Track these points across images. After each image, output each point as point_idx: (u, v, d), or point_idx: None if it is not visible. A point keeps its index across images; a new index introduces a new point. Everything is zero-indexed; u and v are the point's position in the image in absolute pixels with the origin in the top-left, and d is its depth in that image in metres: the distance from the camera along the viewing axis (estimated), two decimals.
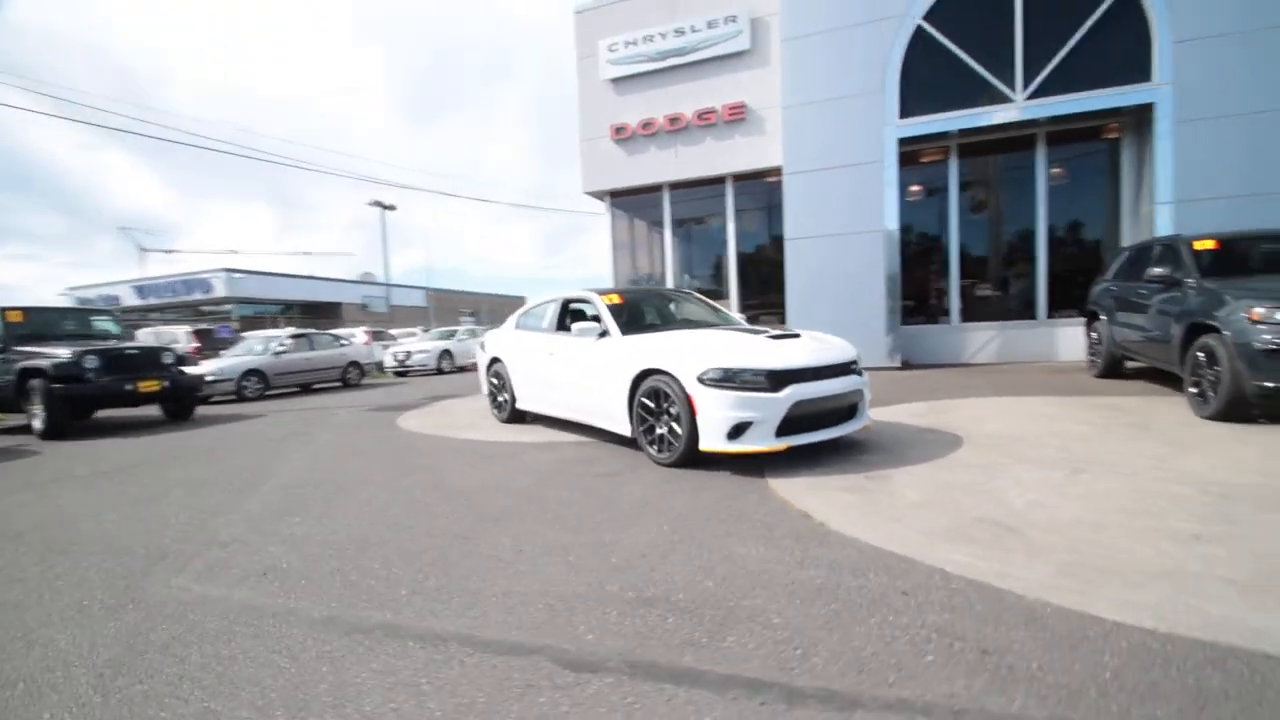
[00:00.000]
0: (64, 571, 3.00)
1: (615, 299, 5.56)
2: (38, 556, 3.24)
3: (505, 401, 6.83)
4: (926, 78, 9.58)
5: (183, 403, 8.93)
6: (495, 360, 6.98)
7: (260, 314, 34.92)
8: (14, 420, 8.98)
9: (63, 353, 7.71)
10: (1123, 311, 6.98)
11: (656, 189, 12.17)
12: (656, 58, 11.62)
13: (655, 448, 4.56)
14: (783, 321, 10.35)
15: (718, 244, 12.37)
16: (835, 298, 9.85)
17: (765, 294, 11.80)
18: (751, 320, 7.95)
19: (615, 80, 11.99)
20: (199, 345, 15.12)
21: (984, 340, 10.22)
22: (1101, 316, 7.50)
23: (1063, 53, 8.84)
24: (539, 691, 1.76)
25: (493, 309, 55.83)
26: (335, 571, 2.78)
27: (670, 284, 12.45)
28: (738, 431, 4.08)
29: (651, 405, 4.56)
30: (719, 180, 11.71)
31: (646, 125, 11.75)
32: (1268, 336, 4.51)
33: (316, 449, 6.07)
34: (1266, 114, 7.99)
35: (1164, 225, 8.39)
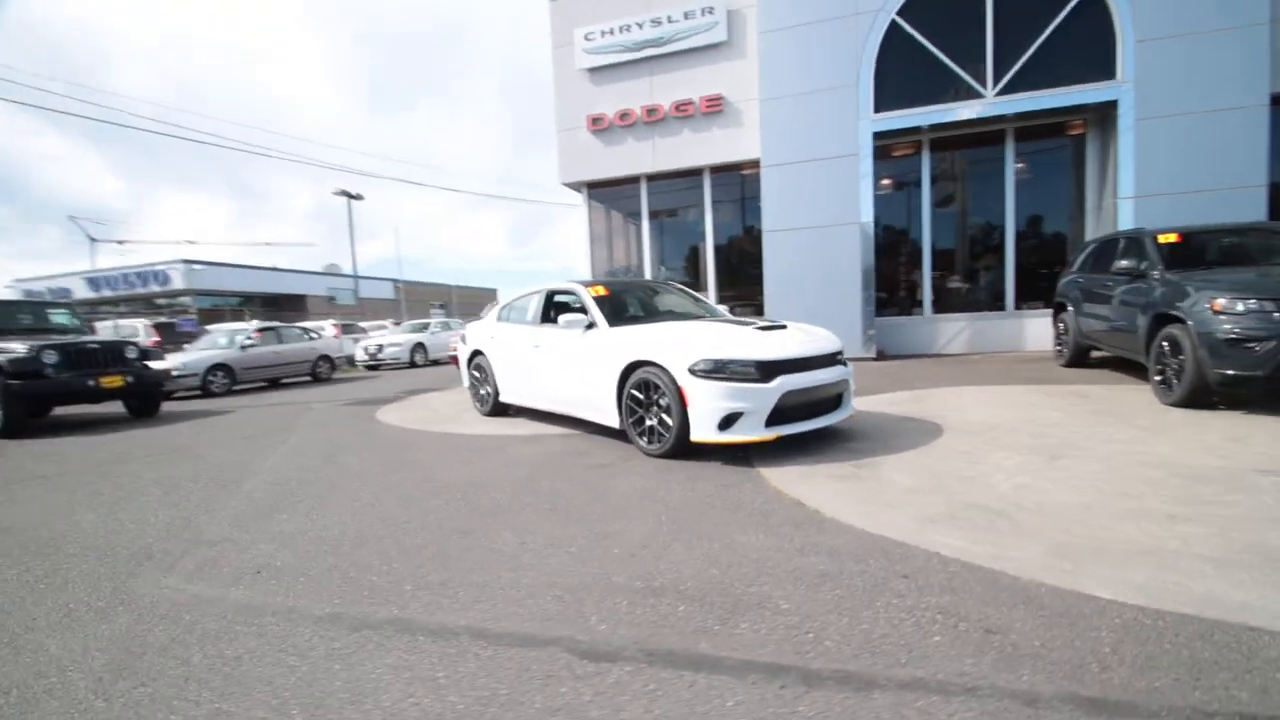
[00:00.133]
0: (44, 574, 2.89)
1: (601, 290, 5.55)
2: (13, 559, 3.12)
3: (488, 394, 6.77)
4: (900, 72, 9.73)
5: (147, 399, 8.62)
6: (477, 353, 6.91)
7: (217, 306, 33.85)
8: None
9: (19, 347, 7.37)
10: (1089, 303, 7.22)
11: (634, 180, 12.13)
12: (633, 48, 11.55)
13: (645, 439, 4.58)
14: (759, 313, 10.46)
15: (695, 235, 12.41)
16: (813, 290, 9.98)
17: (742, 286, 11.89)
18: (729, 312, 8.01)
19: (592, 70, 11.89)
20: (159, 339, 14.58)
21: (955, 331, 10.49)
22: (1068, 308, 7.76)
23: (1031, 49, 9.07)
24: (559, 682, 1.77)
25: (463, 301, 55.15)
26: (333, 568, 2.74)
27: (647, 275, 12.45)
28: (729, 422, 4.12)
29: (641, 397, 4.58)
30: (696, 172, 11.74)
31: (624, 116, 11.69)
32: (1228, 326, 4.72)
33: (296, 445, 5.94)
34: (1221, 112, 8.32)
35: (1126, 219, 8.71)
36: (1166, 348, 5.31)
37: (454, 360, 12.19)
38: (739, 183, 11.94)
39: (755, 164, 10.78)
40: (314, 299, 40.38)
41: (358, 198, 30.40)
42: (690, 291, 6.55)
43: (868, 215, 9.93)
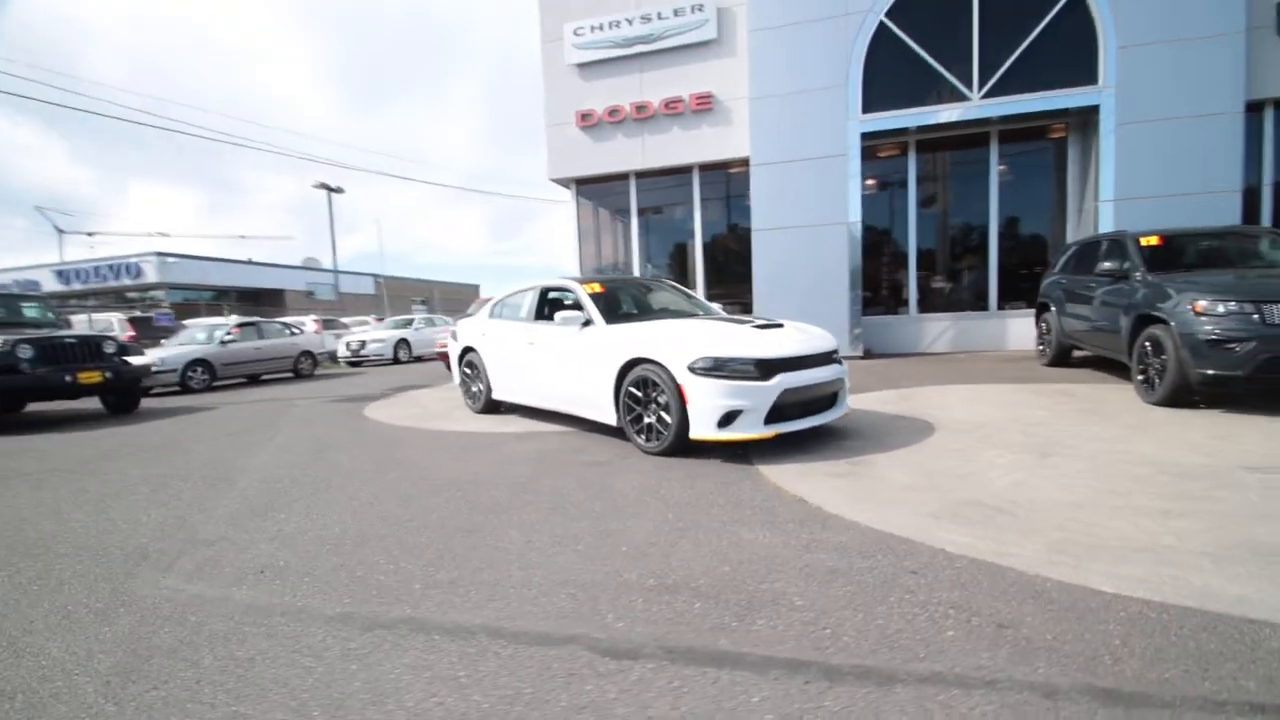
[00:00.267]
0: (37, 575, 2.82)
1: (597, 288, 5.54)
2: (2, 561, 3.03)
3: (480, 392, 6.72)
4: (888, 74, 9.84)
5: (127, 395, 8.43)
6: (469, 350, 6.85)
7: (190, 300, 33.08)
8: None
9: None
10: (1072, 303, 7.38)
11: (623, 177, 12.11)
12: (623, 44, 11.52)
13: (643, 437, 4.59)
14: (747, 311, 10.51)
15: (683, 233, 12.42)
16: (801, 288, 10.06)
17: (729, 284, 11.94)
18: (722, 310, 8.04)
19: (581, 65, 11.83)
20: (134, 334, 14.23)
21: (940, 330, 10.65)
22: (1051, 308, 7.91)
23: (1016, 54, 9.23)
24: (582, 680, 1.78)
25: (445, 297, 54.63)
26: (339, 567, 2.71)
27: (636, 273, 12.44)
28: (728, 420, 4.15)
29: (639, 394, 4.58)
30: (686, 170, 11.75)
31: (613, 113, 11.66)
32: (1209, 327, 4.85)
33: (284, 442, 5.85)
34: (1198, 118, 8.55)
35: (1106, 222, 8.92)
36: (1149, 348, 5.45)
37: (441, 357, 12.08)
38: (728, 181, 11.98)
39: (745, 162, 10.83)
40: (292, 294, 39.70)
41: (338, 191, 29.94)
42: (684, 289, 6.57)
43: (856, 215, 10.04)
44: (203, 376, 11.70)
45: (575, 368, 5.24)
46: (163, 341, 12.97)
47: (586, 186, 12.61)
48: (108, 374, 7.87)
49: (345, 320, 23.36)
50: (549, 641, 2.00)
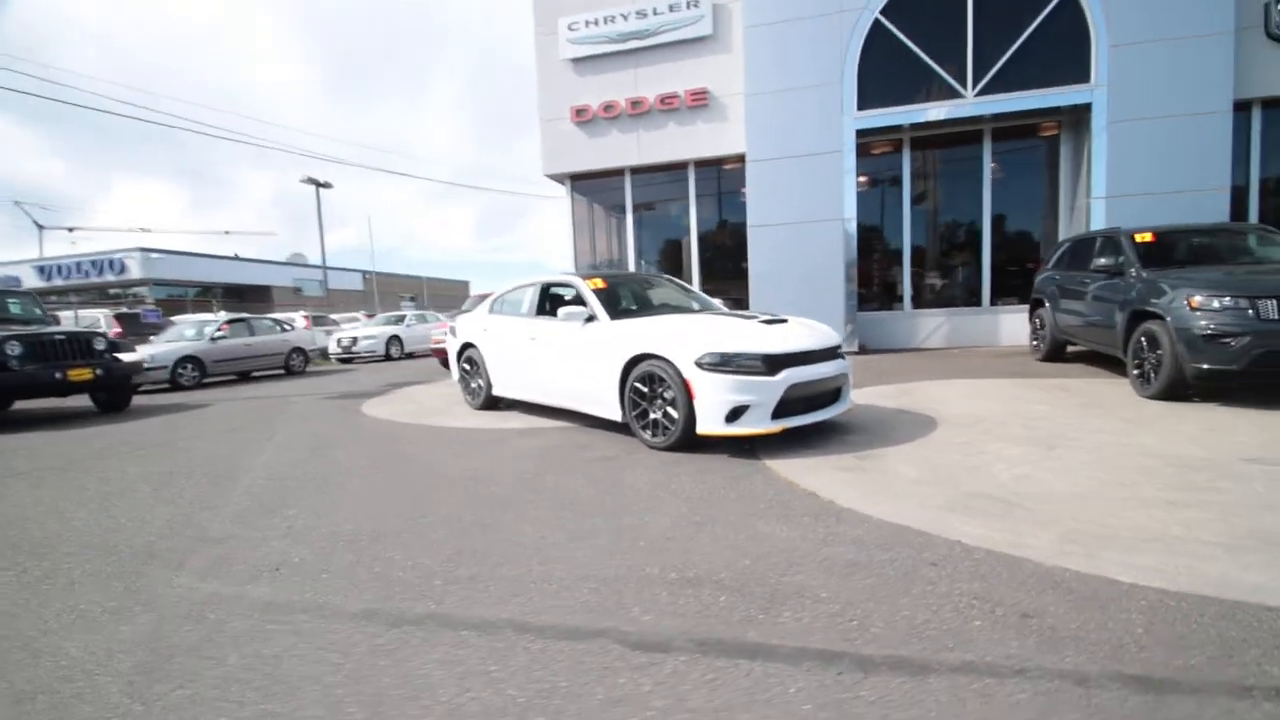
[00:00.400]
0: (45, 575, 2.77)
1: (599, 283, 5.53)
2: (8, 560, 2.98)
3: (480, 388, 6.69)
4: (883, 71, 9.89)
5: (118, 392, 8.30)
6: (468, 346, 6.82)
7: (174, 297, 32.60)
8: None
9: None
10: (1066, 299, 7.47)
11: (619, 173, 12.08)
12: (618, 39, 11.48)
13: (649, 432, 4.59)
14: (742, 307, 10.53)
15: (678, 229, 12.43)
16: (796, 284, 10.10)
17: (725, 280, 11.96)
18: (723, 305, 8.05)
19: (576, 60, 11.77)
20: (121, 330, 14.00)
21: (934, 326, 10.74)
22: (1046, 304, 8.00)
23: (1010, 52, 9.30)
24: (616, 673, 1.78)
25: (434, 293, 54.27)
26: (356, 564, 2.69)
27: (631, 269, 12.43)
28: (735, 415, 4.16)
29: (645, 390, 4.58)
30: (681, 166, 11.74)
31: (608, 108, 11.62)
32: (1205, 322, 4.93)
33: (284, 440, 5.79)
34: (1188, 117, 8.67)
35: (1098, 219, 9.03)
36: (1144, 343, 5.53)
37: (437, 353, 12.02)
38: (724, 177, 11.98)
39: (740, 159, 10.84)
40: (279, 289, 39.29)
41: (326, 185, 29.58)
42: (685, 285, 6.57)
43: (851, 211, 10.09)
44: (193, 373, 11.55)
45: (579, 363, 5.23)
46: (151, 338, 12.79)
47: (581, 182, 12.57)
48: (98, 371, 7.75)
49: (335, 316, 23.15)
50: (578, 635, 2.00)
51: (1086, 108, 9.15)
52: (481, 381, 6.63)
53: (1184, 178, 8.68)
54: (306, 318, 18.84)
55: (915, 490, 3.39)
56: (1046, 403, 5.53)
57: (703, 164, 11.72)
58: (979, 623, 1.96)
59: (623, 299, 5.71)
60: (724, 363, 4.18)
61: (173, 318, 16.35)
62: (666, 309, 5.70)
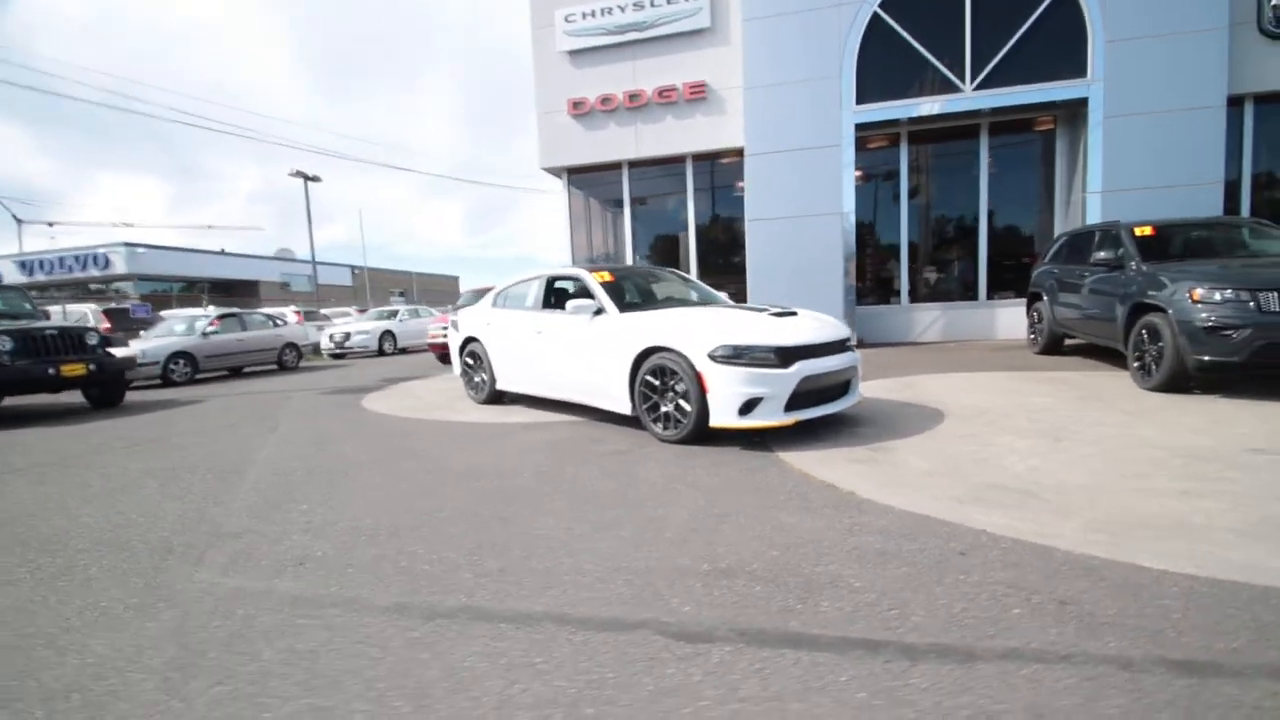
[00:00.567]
0: (60, 571, 2.72)
1: (607, 276, 5.51)
2: (18, 556, 2.92)
3: (483, 382, 6.66)
4: (882, 65, 9.91)
5: (111, 388, 8.17)
6: (471, 340, 6.77)
7: (158, 292, 32.15)
8: None
9: None
10: (1064, 293, 7.54)
11: (616, 166, 12.03)
12: (615, 31, 11.41)
13: (660, 425, 4.58)
14: (741, 301, 10.54)
15: (676, 223, 12.41)
16: (795, 278, 10.12)
17: (722, 274, 11.96)
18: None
19: (573, 53, 11.70)
20: (110, 326, 13.79)
21: (930, 320, 10.81)
22: (1043, 297, 8.08)
23: (1008, 46, 9.35)
24: (664, 664, 1.77)
25: (424, 288, 53.90)
26: (380, 558, 2.67)
27: (628, 263, 12.39)
28: (749, 407, 4.16)
29: (656, 383, 4.57)
30: (679, 159, 11.71)
31: (606, 101, 11.56)
32: (1206, 315, 5.00)
33: (286, 435, 5.73)
34: (1183, 112, 8.76)
35: (1094, 213, 9.11)
36: (1145, 335, 5.59)
37: (434, 348, 11.96)
38: (720, 171, 11.97)
39: (738, 152, 10.83)
40: (266, 285, 38.88)
41: (315, 179, 29.22)
42: (689, 278, 6.56)
43: (849, 205, 10.12)
44: (185, 369, 11.40)
45: (587, 357, 5.21)
46: (141, 333, 12.59)
47: (578, 176, 12.51)
48: (92, 366, 7.63)
49: (326, 311, 22.93)
50: (618, 627, 1.99)
51: (1082, 102, 9.22)
52: (485, 376, 6.60)
53: (1178, 172, 8.79)
54: (298, 313, 18.64)
55: (931, 481, 3.40)
56: (1048, 395, 5.58)
57: (701, 158, 11.70)
58: (1018, 610, 1.97)
59: (630, 292, 5.69)
60: (737, 355, 4.18)
61: (162, 313, 16.11)
62: (673, 302, 5.69)
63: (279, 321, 14.25)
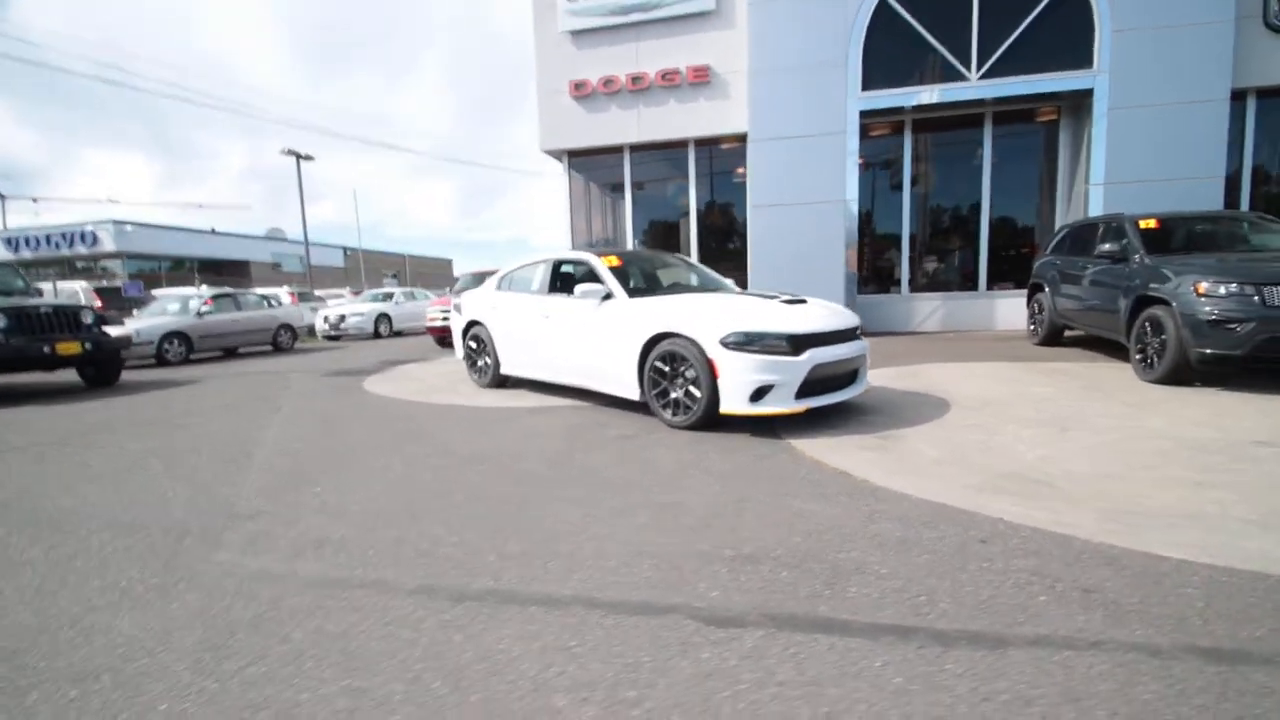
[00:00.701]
0: (74, 552, 2.70)
1: (615, 261, 5.48)
2: (29, 536, 2.90)
3: (487, 366, 6.63)
4: (887, 51, 9.83)
5: (106, 367, 8.08)
6: (474, 323, 6.73)
7: (145, 271, 31.70)
8: None
9: None
10: (1066, 284, 7.57)
11: (617, 150, 11.91)
12: (619, 12, 11.24)
13: (669, 411, 4.59)
14: (742, 288, 10.52)
15: (677, 208, 12.33)
16: (797, 266, 10.10)
17: (724, 260, 11.91)
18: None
19: (575, 33, 11.52)
20: (102, 304, 13.60)
21: (930, 310, 10.85)
22: (1045, 288, 8.11)
23: (1015, 35, 9.29)
24: (698, 648, 1.78)
25: (416, 270, 53.49)
26: (401, 540, 2.66)
27: (629, 248, 12.32)
28: (760, 394, 4.17)
29: (665, 369, 4.57)
30: (682, 144, 11.61)
31: (608, 83, 11.42)
32: (1210, 308, 5.04)
33: (288, 416, 5.69)
34: (1186, 105, 8.77)
35: (1096, 205, 9.13)
36: (1148, 328, 5.63)
37: (432, 331, 11.90)
38: (721, 157, 11.88)
39: (741, 138, 10.76)
40: (258, 265, 38.44)
41: (307, 158, 28.81)
42: (696, 264, 6.54)
43: (853, 193, 10.09)
44: (180, 349, 11.29)
45: (595, 341, 5.19)
46: (135, 312, 12.44)
47: (579, 159, 12.38)
48: (87, 345, 7.52)
49: (320, 293, 22.71)
50: (649, 611, 2.00)
51: (1088, 93, 9.20)
52: (489, 359, 6.56)
53: (1180, 165, 8.81)
54: (292, 294, 18.45)
55: (943, 470, 3.43)
56: (1051, 386, 5.63)
57: (703, 142, 11.60)
58: (1043, 598, 2.00)
59: (636, 277, 5.66)
60: (749, 342, 4.18)
61: (154, 291, 15.90)
62: (680, 288, 5.67)
63: (273, 302, 14.11)
